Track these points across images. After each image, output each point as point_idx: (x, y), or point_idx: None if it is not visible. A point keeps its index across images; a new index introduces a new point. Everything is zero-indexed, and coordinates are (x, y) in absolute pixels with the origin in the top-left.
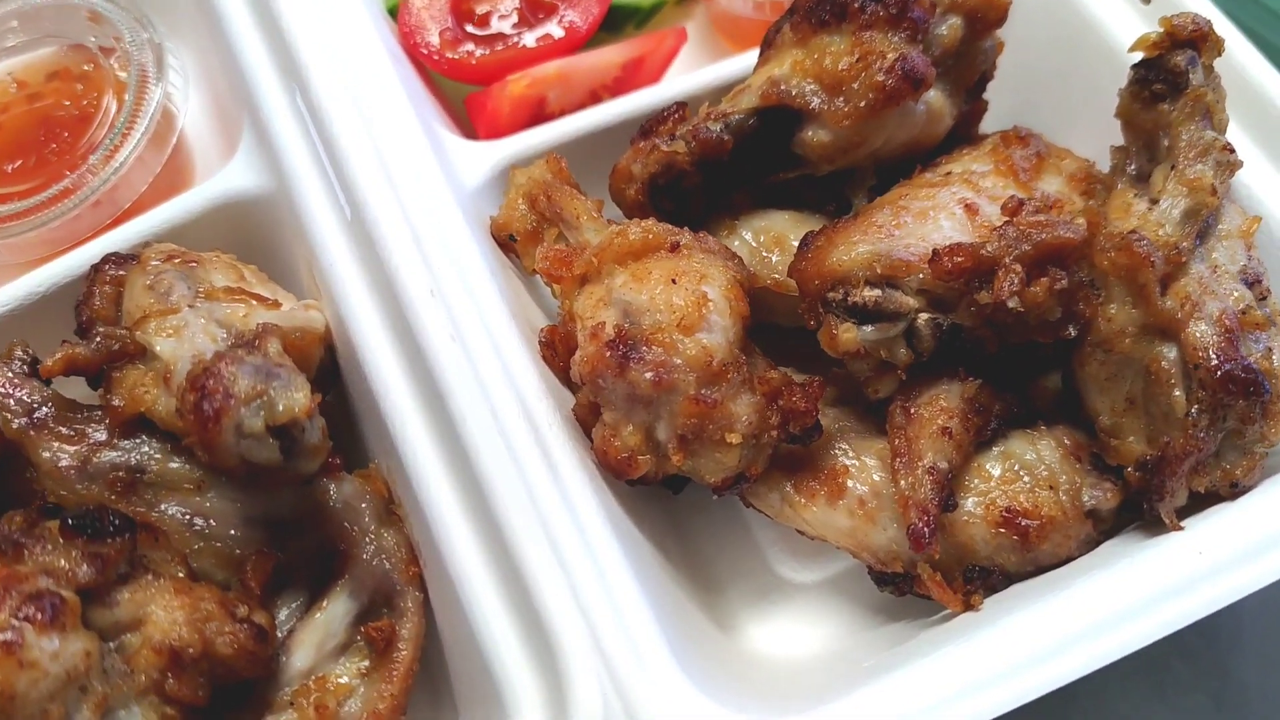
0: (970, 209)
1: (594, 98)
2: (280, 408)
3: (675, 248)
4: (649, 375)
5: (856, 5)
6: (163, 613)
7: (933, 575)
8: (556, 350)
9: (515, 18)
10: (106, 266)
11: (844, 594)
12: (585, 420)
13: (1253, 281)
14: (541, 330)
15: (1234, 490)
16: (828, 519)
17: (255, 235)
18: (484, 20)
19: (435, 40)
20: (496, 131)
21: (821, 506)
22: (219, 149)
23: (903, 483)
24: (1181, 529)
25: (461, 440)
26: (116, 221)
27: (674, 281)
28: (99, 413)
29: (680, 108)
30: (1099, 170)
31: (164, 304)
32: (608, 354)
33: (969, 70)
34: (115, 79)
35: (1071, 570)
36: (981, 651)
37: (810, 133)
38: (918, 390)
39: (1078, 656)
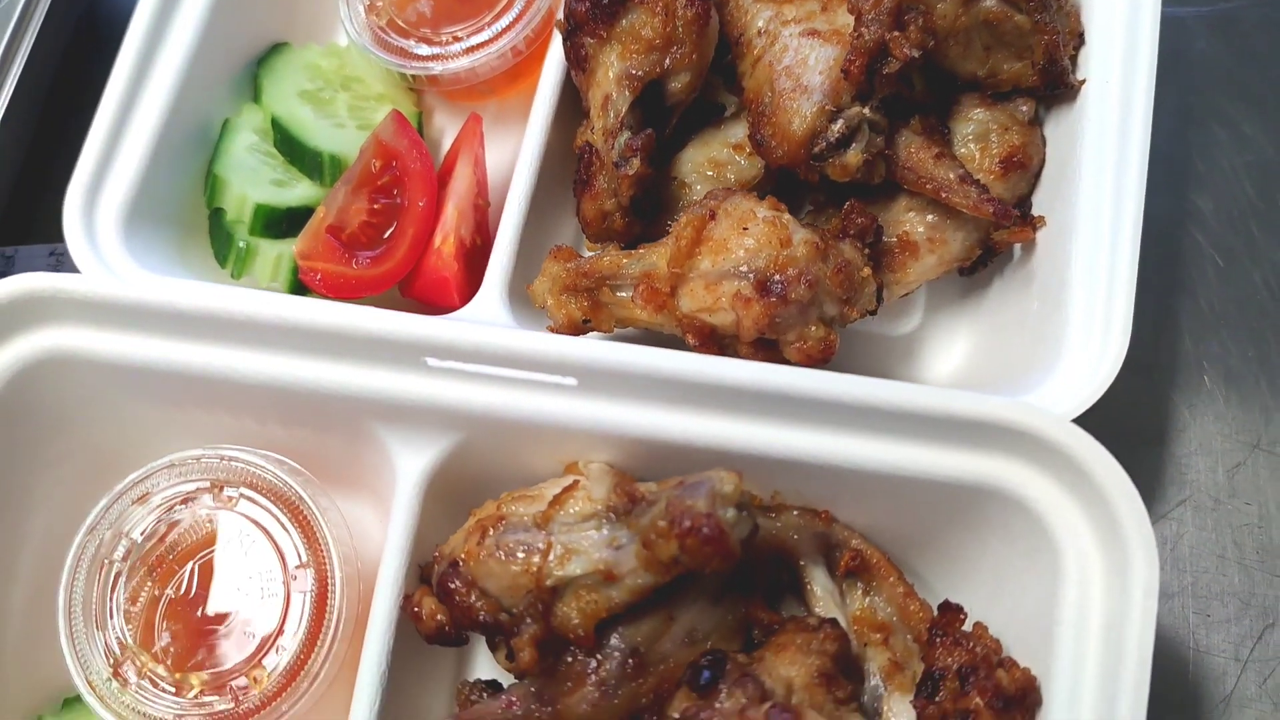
0: (813, 34)
1: (478, 210)
2: None
3: (713, 215)
4: (803, 287)
5: None
6: None
7: (1009, 231)
8: (706, 341)
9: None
10: None
11: (941, 296)
12: (761, 356)
13: None
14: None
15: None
16: (922, 270)
17: None
18: (361, 232)
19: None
20: (464, 291)
21: (914, 265)
22: None
23: (958, 200)
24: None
25: None
26: None
27: (745, 229)
28: None
29: (589, 150)
30: None
31: None
32: (766, 299)
33: None
34: None
35: None
36: None
37: (673, 84)
38: (890, 149)
39: None
